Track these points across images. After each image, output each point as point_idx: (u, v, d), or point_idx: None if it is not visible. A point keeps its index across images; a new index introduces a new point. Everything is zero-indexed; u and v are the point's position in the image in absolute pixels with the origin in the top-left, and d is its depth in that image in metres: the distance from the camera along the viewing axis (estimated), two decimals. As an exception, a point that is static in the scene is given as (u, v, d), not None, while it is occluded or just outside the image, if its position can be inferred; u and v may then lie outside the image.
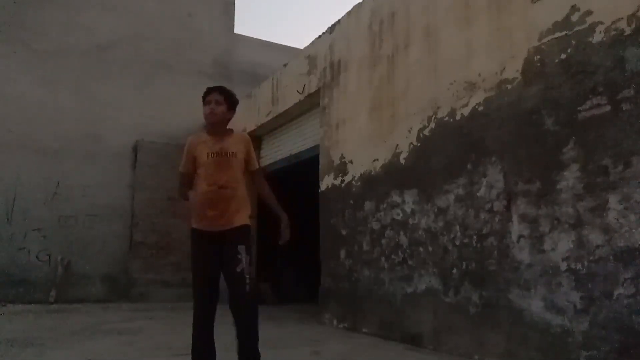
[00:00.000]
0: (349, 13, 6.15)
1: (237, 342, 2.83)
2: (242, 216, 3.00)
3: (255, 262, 8.68)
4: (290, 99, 7.40)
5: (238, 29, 11.94)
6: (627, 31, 3.03)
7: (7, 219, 8.82)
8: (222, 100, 3.04)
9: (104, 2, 10.26)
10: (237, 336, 2.83)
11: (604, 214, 3.03)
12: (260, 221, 8.79)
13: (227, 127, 3.13)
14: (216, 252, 2.93)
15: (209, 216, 2.93)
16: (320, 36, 6.79)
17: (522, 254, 3.54)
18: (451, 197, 4.24)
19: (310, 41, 7.12)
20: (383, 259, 5.04)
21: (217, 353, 2.97)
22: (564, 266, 3.23)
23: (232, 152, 2.98)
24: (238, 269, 2.84)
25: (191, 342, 2.92)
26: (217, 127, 3.05)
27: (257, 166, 3.18)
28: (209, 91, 3.07)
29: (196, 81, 10.60)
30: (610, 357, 2.91)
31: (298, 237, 10.32)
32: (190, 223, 3.05)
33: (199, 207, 2.97)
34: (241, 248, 2.88)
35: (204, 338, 2.90)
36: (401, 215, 4.84)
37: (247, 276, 2.85)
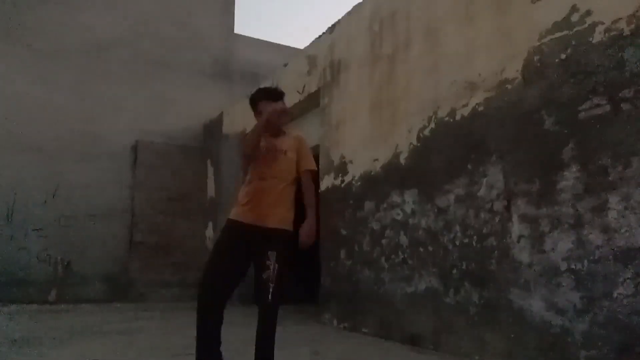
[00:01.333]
0: (349, 13, 6.15)
1: (255, 344, 2.83)
2: (280, 217, 2.90)
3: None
4: (290, 99, 7.39)
5: (238, 29, 11.94)
6: (627, 31, 3.03)
7: (7, 219, 8.82)
8: (285, 108, 3.11)
9: (104, 1, 10.26)
10: (255, 339, 2.83)
11: (604, 214, 3.03)
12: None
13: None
14: (242, 246, 2.85)
15: (244, 206, 2.90)
16: (320, 36, 6.78)
17: (522, 254, 3.54)
18: (451, 197, 4.24)
19: (310, 41, 7.12)
20: (383, 259, 5.03)
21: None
22: (564, 266, 3.23)
23: (282, 149, 2.98)
24: (264, 276, 2.78)
25: (195, 339, 2.80)
26: (275, 127, 3.06)
27: (310, 167, 3.06)
28: (278, 96, 3.11)
29: (196, 81, 10.62)
30: (609, 357, 2.91)
31: (298, 237, 10.25)
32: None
33: (239, 198, 2.97)
34: (271, 254, 2.80)
35: (208, 333, 2.79)
36: (401, 215, 4.84)
37: (272, 284, 2.77)
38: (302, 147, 3.10)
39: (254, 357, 2.82)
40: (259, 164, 2.95)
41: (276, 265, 2.80)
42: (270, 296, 2.77)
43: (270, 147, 2.97)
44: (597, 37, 3.20)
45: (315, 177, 3.23)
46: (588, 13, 3.27)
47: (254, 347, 2.82)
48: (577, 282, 3.14)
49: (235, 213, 2.95)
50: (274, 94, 3.14)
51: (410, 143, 4.82)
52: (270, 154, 2.95)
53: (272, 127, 2.99)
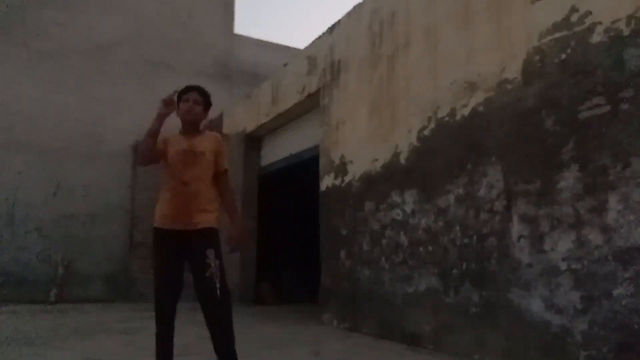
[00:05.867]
0: (349, 13, 6.15)
1: (215, 345, 2.83)
2: (208, 218, 2.90)
3: (254, 262, 8.68)
4: (290, 99, 7.40)
5: (238, 29, 11.95)
6: (626, 32, 3.04)
7: (8, 219, 8.83)
8: (201, 100, 3.04)
9: (105, 2, 10.27)
10: (213, 339, 2.83)
11: (604, 214, 3.04)
12: (260, 221, 8.81)
13: (201, 127, 3.13)
14: (178, 252, 2.86)
15: (171, 213, 2.86)
16: (320, 36, 6.79)
17: (522, 254, 3.54)
18: (451, 197, 4.25)
19: (310, 41, 7.13)
20: (383, 259, 5.04)
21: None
22: (563, 266, 3.24)
23: (200, 151, 2.94)
24: (207, 274, 2.78)
25: (155, 341, 2.90)
26: (192, 126, 3.04)
27: (225, 167, 3.08)
28: (188, 90, 3.05)
29: (196, 81, 10.57)
30: (609, 356, 2.92)
31: (298, 237, 10.31)
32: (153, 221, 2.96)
33: (162, 204, 2.92)
34: (210, 252, 2.82)
35: (167, 336, 2.90)
36: (401, 215, 4.85)
37: (217, 281, 2.79)
38: (220, 146, 3.08)
39: (216, 352, 2.82)
40: (178, 167, 2.90)
41: (216, 261, 2.82)
42: (218, 292, 2.79)
43: (188, 150, 2.93)
44: (597, 37, 3.20)
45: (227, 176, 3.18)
46: (587, 13, 3.27)
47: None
48: (577, 282, 3.14)
49: (161, 221, 2.90)
50: (207, 102, 3.11)
51: (410, 143, 4.83)
52: (188, 157, 2.91)
53: (164, 117, 2.95)
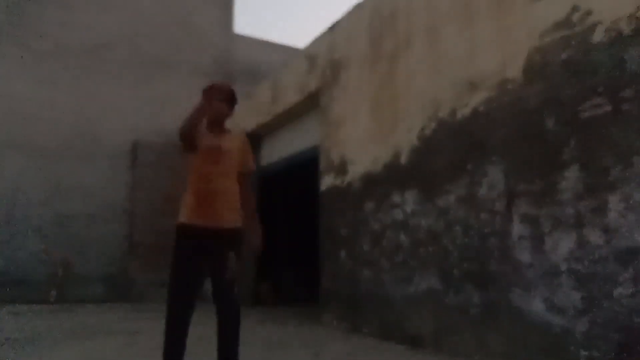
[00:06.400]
0: (349, 12, 6.14)
1: (218, 344, 2.81)
2: (234, 217, 2.91)
3: (254, 262, 8.68)
4: (291, 99, 7.40)
5: (238, 29, 11.96)
6: (627, 31, 3.03)
7: (7, 219, 8.82)
8: (223, 98, 3.02)
9: (103, 1, 10.26)
10: (218, 338, 2.81)
11: (605, 214, 3.03)
12: (261, 221, 8.80)
13: (226, 126, 3.12)
14: (201, 253, 2.83)
15: (199, 208, 2.84)
16: (320, 36, 6.78)
17: (523, 254, 3.53)
18: (452, 197, 4.24)
19: (310, 41, 7.12)
20: (383, 259, 5.03)
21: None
22: (564, 266, 3.23)
23: (226, 149, 2.94)
24: (227, 277, 2.80)
25: (163, 346, 2.76)
26: (217, 124, 3.03)
27: (250, 167, 3.08)
28: (212, 88, 2.99)
29: (195, 81, 10.62)
30: (609, 356, 2.91)
31: (298, 237, 10.31)
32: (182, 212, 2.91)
33: (189, 200, 2.90)
34: (231, 255, 2.84)
35: (178, 344, 2.76)
36: (402, 215, 4.84)
37: (236, 284, 2.81)
38: (246, 146, 3.08)
39: (218, 352, 2.79)
40: (203, 164, 2.89)
41: (236, 265, 2.84)
42: (235, 296, 2.82)
43: (213, 147, 2.91)
44: (598, 37, 3.19)
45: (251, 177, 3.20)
46: (588, 13, 3.26)
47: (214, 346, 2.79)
48: (578, 282, 3.14)
49: (187, 216, 2.88)
50: (232, 99, 3.08)
51: (411, 143, 4.82)
52: (213, 154, 2.90)
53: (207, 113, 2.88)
